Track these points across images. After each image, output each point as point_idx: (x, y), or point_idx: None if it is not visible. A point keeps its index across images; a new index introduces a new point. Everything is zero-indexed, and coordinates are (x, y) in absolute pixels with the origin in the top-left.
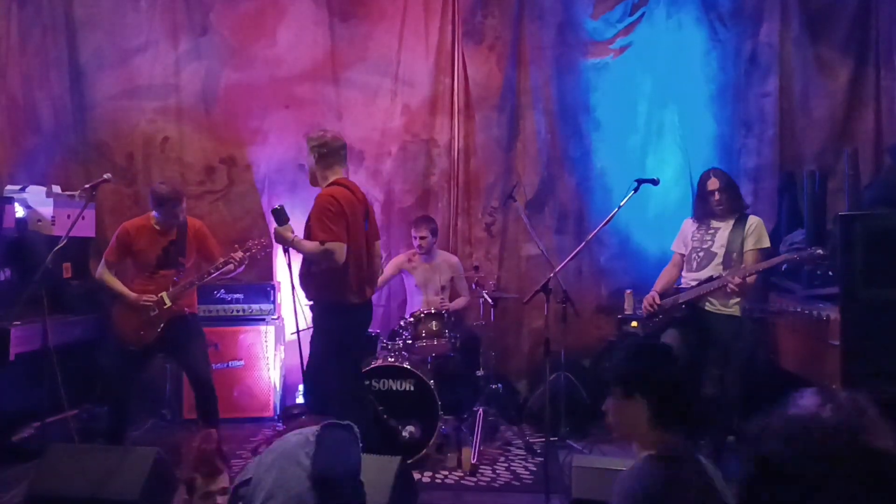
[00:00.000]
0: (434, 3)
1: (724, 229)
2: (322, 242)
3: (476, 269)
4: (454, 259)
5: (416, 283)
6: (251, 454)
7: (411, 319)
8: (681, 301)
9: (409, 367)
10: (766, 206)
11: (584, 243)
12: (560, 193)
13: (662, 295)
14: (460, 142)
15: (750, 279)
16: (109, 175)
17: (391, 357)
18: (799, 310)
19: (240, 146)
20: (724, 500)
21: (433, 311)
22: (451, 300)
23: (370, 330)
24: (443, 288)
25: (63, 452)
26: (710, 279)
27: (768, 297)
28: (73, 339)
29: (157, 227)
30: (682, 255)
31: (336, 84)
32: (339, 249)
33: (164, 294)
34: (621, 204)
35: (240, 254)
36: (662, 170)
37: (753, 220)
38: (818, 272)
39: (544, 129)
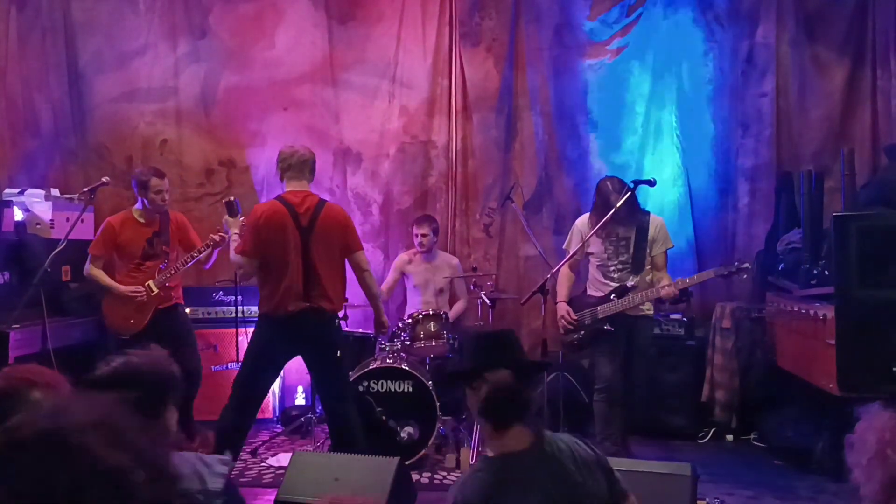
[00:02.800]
0: (431, 6)
1: (632, 238)
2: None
3: (474, 269)
4: (454, 260)
5: (415, 284)
6: (250, 456)
7: (409, 321)
8: (600, 316)
9: (407, 368)
10: (763, 205)
11: (580, 244)
12: (558, 194)
13: (570, 302)
14: (458, 143)
15: (684, 288)
16: (108, 178)
17: (389, 358)
18: (796, 309)
19: (239, 148)
20: (578, 480)
21: (431, 313)
22: (449, 302)
23: (368, 332)
24: (441, 289)
25: None
26: (625, 288)
27: (765, 297)
28: (72, 342)
29: (141, 220)
30: (577, 259)
31: (334, 86)
32: (242, 262)
33: (150, 282)
34: (618, 205)
35: (218, 235)
36: (660, 170)
37: (657, 222)
38: (815, 271)
39: (542, 130)
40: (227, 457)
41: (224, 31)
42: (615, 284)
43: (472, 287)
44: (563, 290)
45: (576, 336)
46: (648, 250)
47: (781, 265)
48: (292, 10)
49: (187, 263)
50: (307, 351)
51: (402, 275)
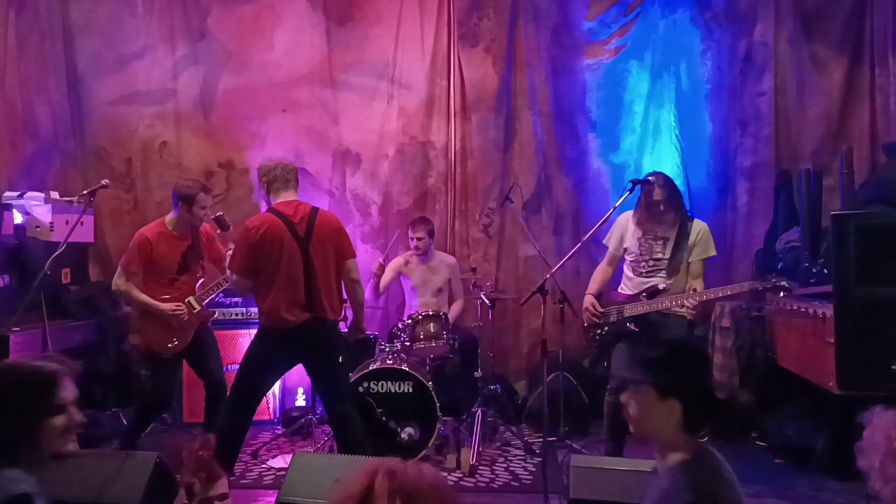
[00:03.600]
0: (429, 6)
1: (671, 238)
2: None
3: (474, 270)
4: (452, 260)
5: (413, 285)
6: (251, 457)
7: (409, 321)
8: (627, 315)
9: (407, 368)
10: (762, 204)
11: (580, 244)
12: (557, 194)
13: (600, 297)
14: (457, 144)
15: (710, 299)
16: (108, 181)
17: (389, 359)
18: (796, 308)
19: (238, 150)
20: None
21: (431, 313)
22: (448, 301)
23: (368, 332)
24: (440, 290)
25: (65, 458)
26: (656, 290)
27: (764, 296)
28: (72, 345)
29: (175, 233)
30: (618, 256)
31: (333, 87)
32: (237, 281)
33: (191, 299)
34: (616, 204)
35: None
36: (659, 169)
37: (700, 227)
38: (814, 270)
39: (541, 130)
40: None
41: (222, 33)
42: (646, 283)
43: (471, 287)
44: (594, 284)
45: (598, 331)
46: (686, 254)
47: (780, 264)
48: (290, 11)
49: (229, 280)
50: (309, 359)
51: (399, 275)
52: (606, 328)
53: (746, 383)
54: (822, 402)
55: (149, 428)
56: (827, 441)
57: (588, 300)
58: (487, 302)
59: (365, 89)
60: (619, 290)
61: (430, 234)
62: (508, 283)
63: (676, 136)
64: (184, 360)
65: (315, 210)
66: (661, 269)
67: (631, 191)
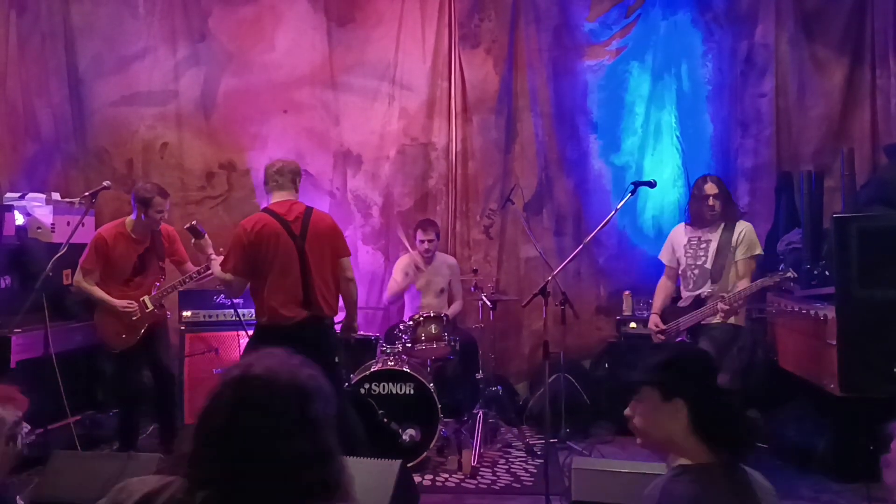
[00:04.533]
0: (430, 8)
1: (713, 241)
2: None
3: (475, 271)
4: (452, 260)
5: (418, 287)
6: None
7: (410, 323)
8: (682, 328)
9: (408, 370)
10: (763, 205)
11: (581, 245)
12: (558, 195)
13: (664, 313)
14: (458, 145)
15: (738, 302)
16: (109, 182)
17: (391, 360)
18: (797, 309)
19: (239, 151)
20: None
21: (432, 315)
22: (447, 302)
23: (369, 334)
24: (441, 290)
25: (66, 459)
26: (700, 299)
27: (766, 297)
28: (74, 346)
29: (133, 236)
30: (674, 268)
31: (334, 88)
32: (230, 280)
33: (145, 298)
34: (618, 206)
35: (221, 256)
36: (660, 171)
37: (742, 227)
38: (815, 271)
39: (542, 131)
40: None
41: (223, 35)
42: (694, 292)
43: (472, 289)
44: (656, 301)
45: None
46: (731, 255)
47: (782, 265)
48: (291, 12)
49: (185, 283)
50: (307, 357)
51: (406, 276)
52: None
53: (748, 385)
54: (823, 404)
55: (139, 425)
56: (828, 443)
57: (652, 320)
58: (488, 303)
59: (366, 90)
60: (679, 304)
61: (438, 235)
62: (510, 284)
63: (677, 137)
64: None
65: (309, 209)
66: (706, 277)
67: (633, 192)
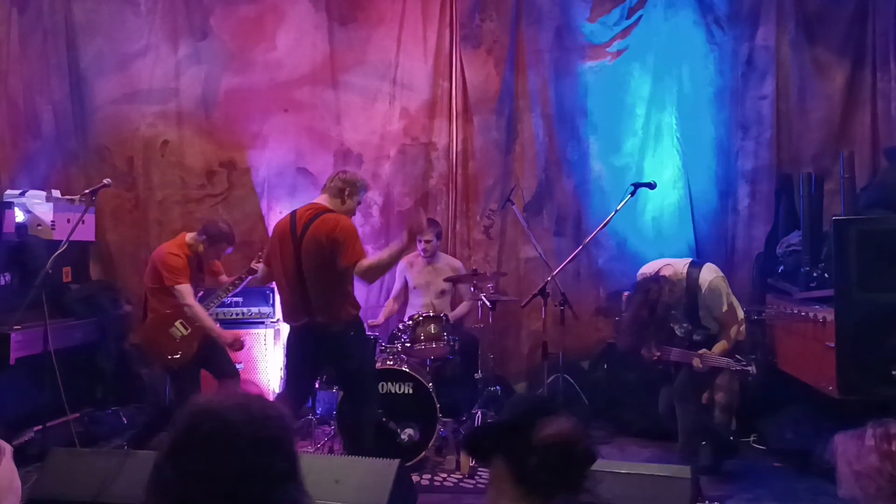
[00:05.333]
0: (432, 8)
1: (682, 323)
2: None
3: (475, 272)
4: (457, 263)
5: (416, 286)
6: None
7: (410, 322)
8: (671, 359)
9: (407, 369)
10: (763, 207)
11: (581, 246)
12: (558, 196)
13: None
14: (459, 145)
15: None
16: (109, 180)
17: (390, 360)
18: (796, 312)
19: (239, 150)
20: None
21: (431, 314)
22: (452, 305)
23: (370, 333)
24: (443, 292)
25: (64, 456)
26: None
27: (765, 299)
28: (73, 343)
29: (191, 253)
30: None
31: (335, 88)
32: (261, 269)
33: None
34: (618, 207)
35: (260, 264)
36: (660, 172)
37: (704, 285)
38: (814, 274)
39: (542, 132)
40: None
41: (225, 33)
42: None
43: (472, 289)
44: None
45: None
46: (704, 318)
47: (781, 267)
48: (293, 11)
49: (229, 292)
50: (321, 361)
51: (405, 280)
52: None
53: (746, 387)
54: (822, 406)
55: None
56: (826, 445)
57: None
58: (488, 303)
59: (367, 90)
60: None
61: (438, 236)
62: (509, 284)
63: (678, 139)
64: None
65: (321, 213)
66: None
67: (632, 194)
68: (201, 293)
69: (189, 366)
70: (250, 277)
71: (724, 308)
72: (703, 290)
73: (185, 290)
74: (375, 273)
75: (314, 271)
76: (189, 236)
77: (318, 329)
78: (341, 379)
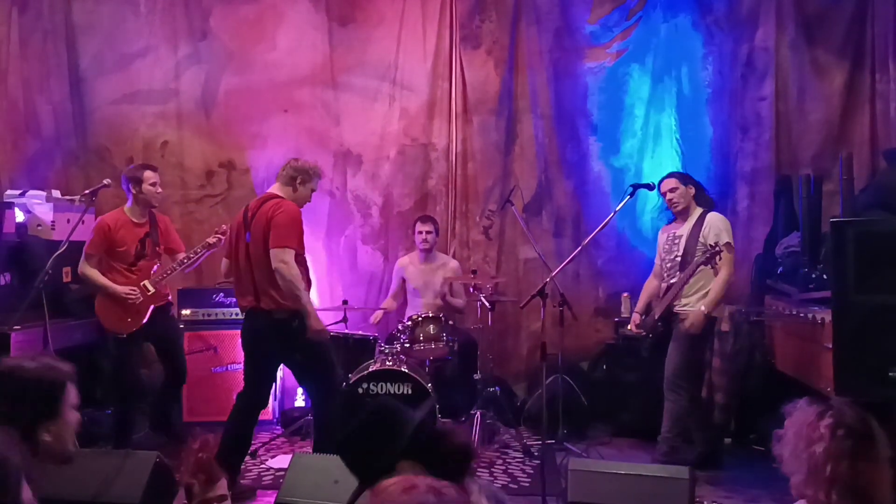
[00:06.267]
0: (432, 8)
1: (684, 235)
2: None
3: (474, 272)
4: (454, 263)
5: (414, 287)
6: (250, 458)
7: (409, 323)
8: (656, 318)
9: (406, 370)
10: (762, 209)
11: (580, 247)
12: (557, 197)
13: (647, 310)
14: (458, 146)
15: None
16: (109, 180)
17: (389, 361)
18: (794, 313)
19: (239, 150)
20: None
21: (430, 315)
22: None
23: (368, 334)
24: (442, 293)
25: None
26: (669, 287)
27: (764, 300)
28: (73, 343)
29: (134, 220)
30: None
31: (335, 88)
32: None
33: (145, 282)
34: (617, 208)
35: (215, 237)
36: (659, 173)
37: (710, 219)
38: (813, 275)
39: (542, 133)
40: None
41: (225, 34)
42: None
43: (471, 289)
44: (640, 301)
45: (645, 344)
46: (701, 247)
47: (780, 269)
48: (293, 12)
49: (184, 264)
50: (274, 351)
51: (403, 280)
52: (650, 336)
53: (745, 387)
54: None
55: (135, 423)
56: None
57: (633, 318)
58: (487, 304)
59: (366, 90)
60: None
61: (437, 230)
62: (508, 285)
63: (677, 140)
64: (145, 345)
65: (267, 200)
66: (676, 268)
67: (631, 195)
68: (156, 266)
69: (139, 333)
70: (206, 252)
71: (727, 239)
72: (707, 220)
73: (82, 258)
74: (286, 280)
75: (258, 255)
76: (125, 205)
77: (261, 316)
78: (295, 374)
